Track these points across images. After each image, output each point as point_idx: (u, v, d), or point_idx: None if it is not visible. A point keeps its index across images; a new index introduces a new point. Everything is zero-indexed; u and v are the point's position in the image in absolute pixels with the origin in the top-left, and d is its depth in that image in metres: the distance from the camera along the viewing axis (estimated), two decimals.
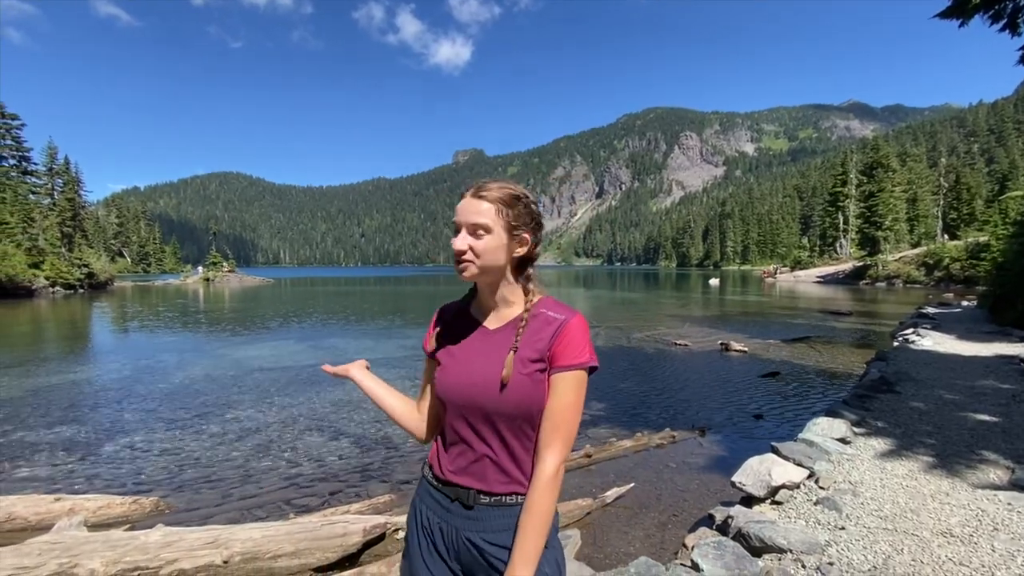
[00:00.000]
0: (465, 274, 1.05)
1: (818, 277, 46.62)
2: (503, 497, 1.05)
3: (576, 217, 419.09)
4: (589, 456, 4.60)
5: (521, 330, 1.06)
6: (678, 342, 11.49)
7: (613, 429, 5.60)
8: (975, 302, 16.88)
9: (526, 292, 1.12)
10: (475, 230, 1.04)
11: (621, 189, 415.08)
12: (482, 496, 1.06)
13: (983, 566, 2.34)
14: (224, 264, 51.72)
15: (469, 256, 1.04)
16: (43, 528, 3.14)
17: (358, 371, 1.29)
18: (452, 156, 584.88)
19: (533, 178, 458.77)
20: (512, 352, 1.04)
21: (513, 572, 0.97)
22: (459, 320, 1.17)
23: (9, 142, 39.57)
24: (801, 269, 54.57)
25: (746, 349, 10.36)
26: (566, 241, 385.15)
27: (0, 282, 28.27)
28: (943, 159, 63.02)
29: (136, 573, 2.50)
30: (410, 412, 1.25)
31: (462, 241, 1.04)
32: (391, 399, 1.26)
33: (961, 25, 6.69)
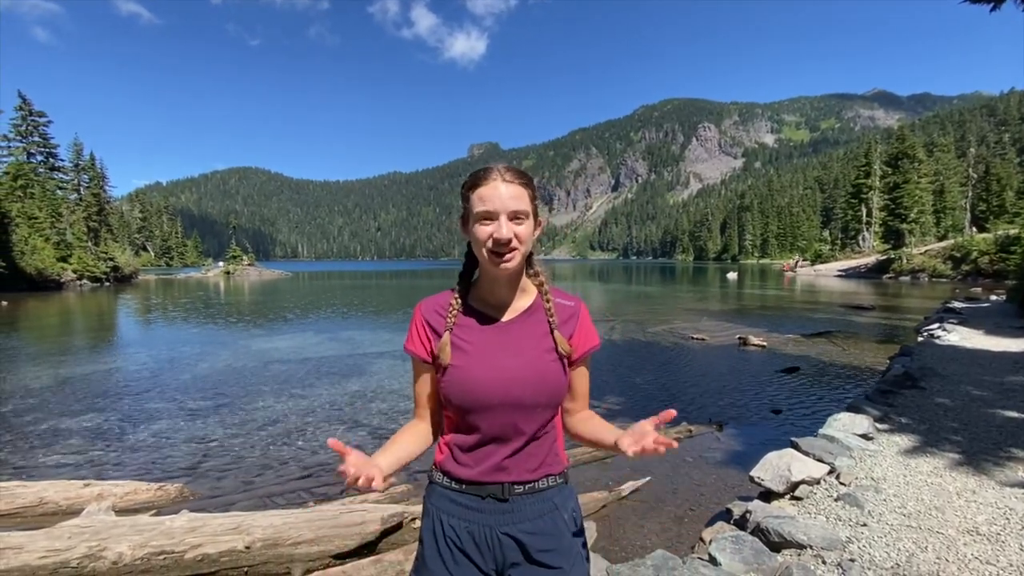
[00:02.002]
0: (511, 264, 0.99)
1: (839, 271, 45.66)
2: (536, 483, 1.06)
3: (591, 210, 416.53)
4: None
5: (553, 317, 1.09)
6: (695, 336, 11.38)
7: (629, 423, 5.54)
8: (1004, 296, 16.37)
9: (536, 279, 1.13)
10: (515, 216, 0.99)
11: (637, 182, 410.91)
12: (516, 486, 1.05)
13: (1010, 565, 2.29)
14: (244, 258, 52.74)
15: (515, 244, 0.99)
16: (73, 512, 3.24)
17: (374, 465, 0.97)
18: (467, 150, 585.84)
19: (548, 171, 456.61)
20: (558, 331, 1.08)
21: (615, 433, 1.08)
22: (465, 317, 1.09)
23: (37, 139, 40.69)
24: (822, 263, 53.57)
25: (765, 344, 10.22)
26: (581, 235, 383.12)
27: (30, 275, 29.19)
28: (972, 149, 60.79)
29: (162, 557, 2.57)
30: (422, 436, 1.13)
31: (509, 229, 0.97)
32: (406, 449, 1.08)
33: (992, 9, 6.48)
